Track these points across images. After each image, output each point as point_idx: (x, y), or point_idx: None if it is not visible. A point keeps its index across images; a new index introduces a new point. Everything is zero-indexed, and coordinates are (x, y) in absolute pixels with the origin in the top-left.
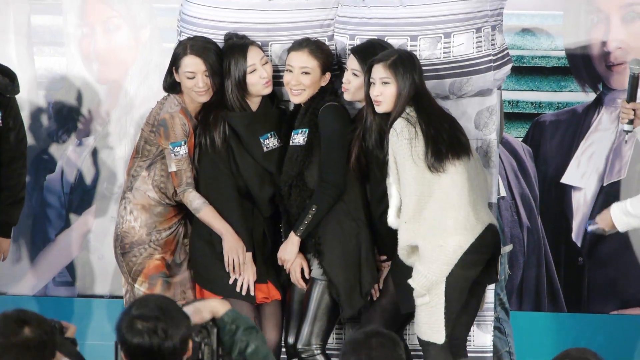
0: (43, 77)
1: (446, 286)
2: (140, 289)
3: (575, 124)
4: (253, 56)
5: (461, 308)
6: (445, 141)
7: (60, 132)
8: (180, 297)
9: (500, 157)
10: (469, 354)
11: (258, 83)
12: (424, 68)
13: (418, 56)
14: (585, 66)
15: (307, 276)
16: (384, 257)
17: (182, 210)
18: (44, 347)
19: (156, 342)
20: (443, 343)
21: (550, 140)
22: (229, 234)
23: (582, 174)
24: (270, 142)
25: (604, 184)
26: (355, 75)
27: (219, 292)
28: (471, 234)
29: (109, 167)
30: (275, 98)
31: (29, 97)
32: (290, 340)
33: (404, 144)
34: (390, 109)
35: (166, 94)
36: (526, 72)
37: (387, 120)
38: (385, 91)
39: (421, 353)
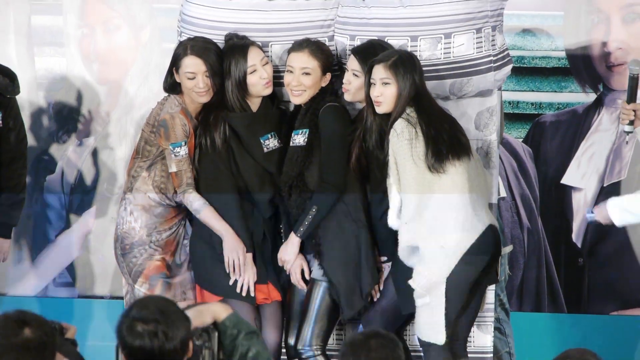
0: (43, 77)
1: (446, 287)
2: (141, 289)
3: (576, 125)
4: (253, 57)
5: (461, 309)
6: (445, 142)
7: (61, 133)
8: (180, 298)
9: (500, 157)
10: (469, 355)
11: (258, 83)
12: (424, 68)
13: (418, 57)
14: (586, 67)
15: (307, 277)
16: (384, 258)
17: (182, 211)
18: (44, 348)
19: (157, 345)
20: (443, 344)
21: (551, 140)
22: (229, 235)
23: (582, 175)
24: (271, 142)
25: (605, 185)
26: (356, 75)
27: (219, 292)
28: (471, 235)
29: (109, 167)
30: (275, 98)
31: (29, 97)
32: (291, 341)
33: (405, 145)
34: (390, 110)
35: (166, 94)
36: (526, 72)
37: (387, 120)
38: (385, 92)
39: (421, 354)
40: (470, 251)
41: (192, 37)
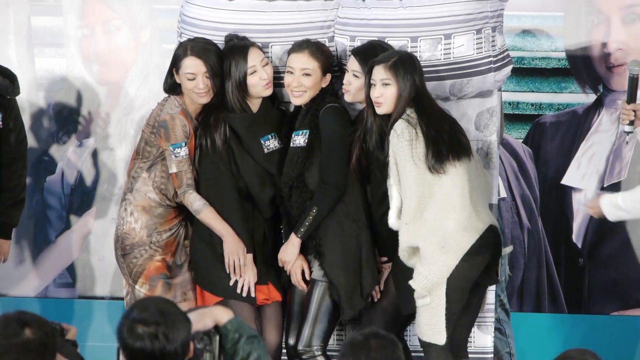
0: (43, 78)
1: (447, 287)
2: (141, 290)
3: (576, 125)
4: (253, 57)
5: (462, 309)
6: (445, 142)
7: (61, 134)
8: (181, 298)
9: (500, 158)
10: (469, 355)
11: (258, 84)
12: (424, 69)
13: (418, 57)
14: (586, 67)
15: (307, 277)
16: (385, 259)
17: (182, 212)
18: (45, 348)
19: (157, 347)
20: (444, 344)
21: (551, 141)
22: (230, 236)
23: (582, 175)
24: (271, 143)
25: (605, 185)
26: (356, 76)
27: (220, 293)
28: (472, 235)
29: (109, 168)
30: (275, 99)
31: (29, 98)
32: (291, 341)
33: (405, 146)
34: (390, 111)
35: (166, 95)
36: (526, 73)
37: (387, 121)
38: (385, 92)
39: (422, 354)
40: (471, 251)
41: (192, 38)
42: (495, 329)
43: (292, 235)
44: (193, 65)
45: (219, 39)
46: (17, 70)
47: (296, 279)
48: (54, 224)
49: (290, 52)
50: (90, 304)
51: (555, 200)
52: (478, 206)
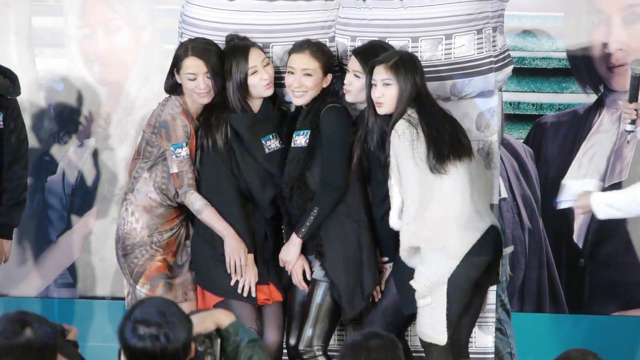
0: (44, 78)
1: (448, 287)
2: (142, 290)
3: (577, 126)
4: (254, 58)
5: (463, 309)
6: (446, 143)
7: (62, 134)
8: (181, 298)
9: (501, 158)
10: (470, 356)
11: (259, 85)
12: (425, 69)
13: (419, 57)
14: (587, 68)
15: (308, 278)
16: (386, 259)
17: (183, 212)
18: (46, 348)
19: (159, 347)
20: (445, 344)
21: (552, 141)
22: (231, 236)
23: (583, 176)
24: (272, 143)
25: (606, 186)
26: (357, 76)
27: (220, 293)
28: (473, 236)
29: (110, 168)
30: (276, 100)
31: (30, 98)
32: (292, 341)
33: (406, 146)
34: (391, 111)
35: (167, 95)
36: (527, 73)
37: (388, 121)
38: (386, 93)
39: (423, 354)
40: (472, 252)
41: (193, 38)
42: (496, 329)
43: (293, 236)
44: (194, 66)
45: (219, 39)
46: (18, 70)
47: (297, 279)
48: (55, 224)
49: (291, 52)
50: (91, 304)
51: (556, 200)
52: (479, 206)
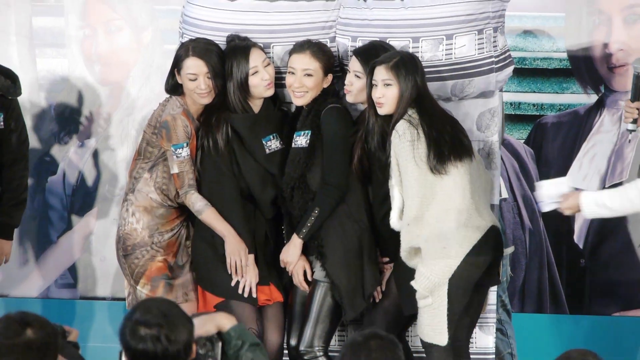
0: (45, 78)
1: (449, 288)
2: (143, 291)
3: (577, 126)
4: (255, 58)
5: (463, 310)
6: (447, 143)
7: (62, 134)
8: (182, 299)
9: (502, 158)
10: (471, 356)
11: (260, 85)
12: (425, 70)
13: (420, 58)
14: (587, 68)
15: (309, 278)
16: (387, 259)
17: (184, 212)
18: (46, 348)
19: (160, 348)
20: (446, 345)
21: (552, 142)
22: (231, 236)
23: (584, 176)
24: (273, 144)
25: (606, 186)
26: (358, 77)
27: (221, 294)
28: (473, 236)
29: (111, 169)
30: (277, 100)
31: (31, 98)
32: (293, 342)
33: (406, 146)
34: (392, 111)
35: (168, 95)
36: (528, 73)
37: (389, 122)
38: (387, 93)
39: (424, 355)
40: (473, 252)
41: (193, 38)
42: (497, 329)
43: (294, 236)
44: (195, 66)
45: (220, 40)
46: (19, 70)
47: (298, 280)
48: (55, 224)
49: (291, 52)
50: (92, 305)
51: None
52: (480, 207)
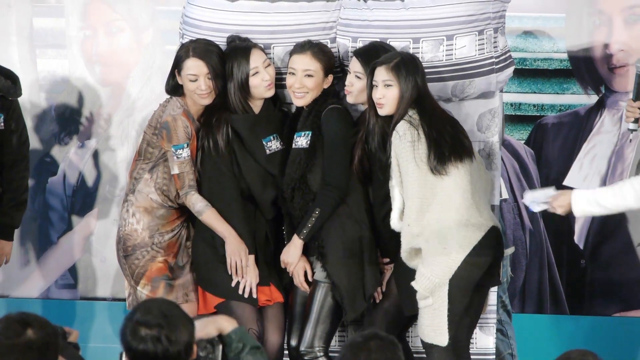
0: (45, 79)
1: (449, 288)
2: (143, 291)
3: (578, 126)
4: (256, 59)
5: (464, 310)
6: (447, 144)
7: (63, 135)
8: (182, 299)
9: (502, 159)
10: (471, 357)
11: (260, 85)
12: (426, 70)
13: (420, 59)
14: (588, 69)
15: (310, 279)
16: (387, 260)
17: (184, 213)
18: (47, 349)
19: (160, 349)
20: (446, 345)
21: (553, 142)
22: (232, 237)
23: (584, 176)
24: (273, 144)
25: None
26: (358, 77)
27: (221, 294)
28: (474, 237)
29: (111, 169)
30: (277, 100)
31: (31, 99)
32: (293, 342)
33: (407, 147)
34: (392, 112)
35: (168, 96)
36: (528, 74)
37: (389, 122)
38: (387, 94)
39: (424, 355)
40: (473, 253)
41: (194, 39)
42: (497, 330)
43: (295, 237)
44: (195, 67)
45: (221, 40)
46: (19, 71)
47: (299, 281)
48: (55, 225)
49: (292, 53)
50: (92, 305)
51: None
52: (480, 207)
